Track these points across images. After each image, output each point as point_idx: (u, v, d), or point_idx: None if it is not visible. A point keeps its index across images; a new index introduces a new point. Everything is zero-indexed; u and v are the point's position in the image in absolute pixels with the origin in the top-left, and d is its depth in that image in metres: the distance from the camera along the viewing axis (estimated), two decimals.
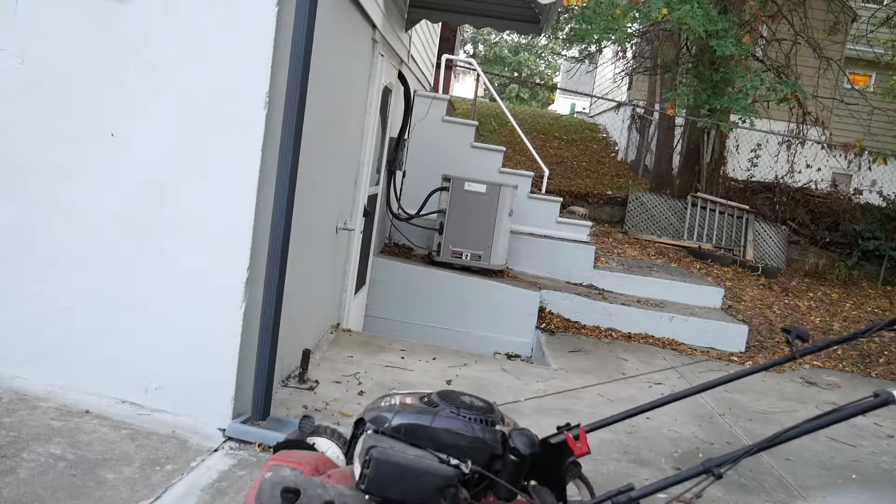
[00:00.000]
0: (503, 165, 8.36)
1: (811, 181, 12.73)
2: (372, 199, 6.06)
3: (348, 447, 1.87)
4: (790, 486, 3.75)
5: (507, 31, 8.16)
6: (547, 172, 8.99)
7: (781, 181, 12.39)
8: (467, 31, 25.10)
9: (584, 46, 14.14)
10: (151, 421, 3.25)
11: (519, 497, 1.84)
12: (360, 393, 4.10)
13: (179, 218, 3.27)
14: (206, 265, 3.26)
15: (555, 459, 1.94)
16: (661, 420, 4.50)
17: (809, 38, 11.12)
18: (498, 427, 1.74)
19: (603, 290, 7.71)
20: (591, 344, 6.43)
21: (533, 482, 1.90)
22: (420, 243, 7.71)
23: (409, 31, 6.89)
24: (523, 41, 33.20)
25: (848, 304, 9.60)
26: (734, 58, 9.81)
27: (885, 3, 13.79)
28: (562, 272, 7.95)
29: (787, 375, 6.31)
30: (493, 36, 33.65)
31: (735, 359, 6.61)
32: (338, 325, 5.55)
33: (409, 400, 1.81)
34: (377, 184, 6.33)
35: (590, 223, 8.73)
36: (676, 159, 13.06)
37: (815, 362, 6.91)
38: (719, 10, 9.84)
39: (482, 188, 7.16)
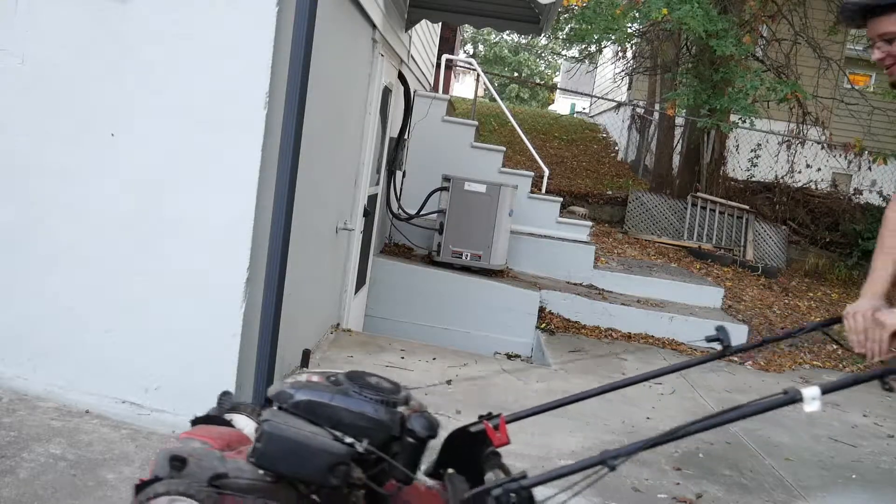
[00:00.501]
0: (503, 165, 8.36)
1: (811, 181, 12.74)
2: (372, 199, 6.06)
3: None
4: (790, 486, 3.75)
5: (507, 31, 8.17)
6: (547, 172, 8.99)
7: (781, 181, 12.39)
8: (467, 31, 25.09)
9: (584, 46, 14.14)
10: (151, 421, 3.25)
11: (422, 481, 1.84)
12: None
13: (179, 218, 3.27)
14: (206, 265, 3.26)
15: (474, 449, 1.93)
16: (661, 420, 4.50)
17: (809, 38, 11.12)
18: (399, 409, 1.72)
19: (603, 290, 7.71)
20: (590, 344, 6.43)
21: (451, 470, 1.90)
22: (420, 243, 7.71)
23: (409, 31, 6.89)
24: (523, 41, 33.21)
25: (848, 304, 9.59)
26: (734, 58, 9.80)
27: None
28: (562, 272, 7.94)
29: (786, 375, 6.31)
30: (493, 36, 33.65)
31: (735, 359, 6.60)
32: (338, 325, 5.55)
33: (315, 378, 1.80)
34: (377, 184, 6.33)
35: (590, 223, 8.73)
36: (676, 159, 13.07)
37: (815, 363, 6.92)
38: (719, 10, 9.84)
39: (482, 188, 7.16)
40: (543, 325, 6.81)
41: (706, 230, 10.99)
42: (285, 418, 1.67)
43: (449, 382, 4.58)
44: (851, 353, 2.02)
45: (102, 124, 3.26)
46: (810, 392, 1.68)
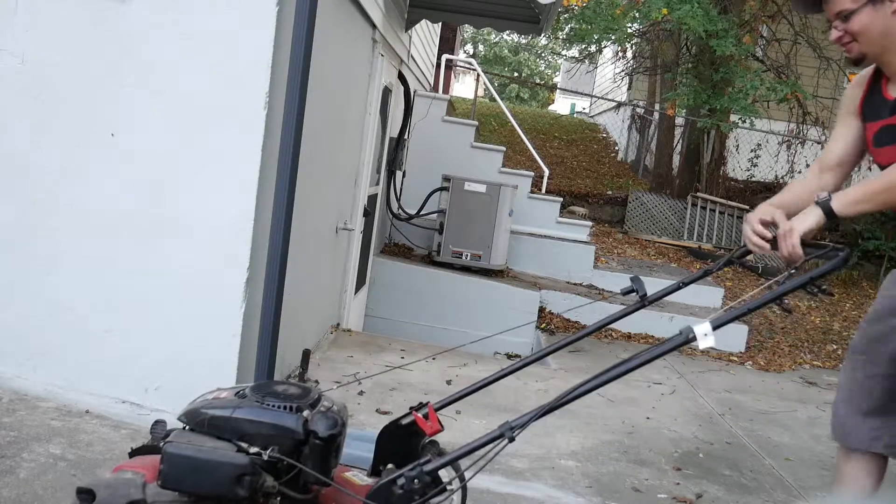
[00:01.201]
0: (503, 165, 8.36)
1: None
2: (372, 199, 6.06)
3: None
4: (790, 486, 3.75)
5: (507, 31, 8.17)
6: (547, 172, 9.00)
7: (782, 181, 12.38)
8: (467, 31, 25.09)
9: (584, 46, 14.13)
10: (152, 421, 3.24)
11: (358, 480, 1.85)
12: (360, 393, 4.10)
13: (179, 218, 3.27)
14: (206, 265, 3.26)
15: (410, 441, 1.94)
16: (661, 420, 4.50)
17: (809, 38, 11.11)
18: (304, 413, 1.72)
19: (603, 290, 7.71)
20: (590, 344, 6.42)
21: (390, 465, 1.91)
22: (420, 243, 7.71)
23: (409, 31, 6.89)
24: (523, 41, 33.20)
25: (848, 304, 9.59)
26: (734, 58, 9.80)
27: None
28: (562, 272, 7.94)
29: (786, 375, 6.31)
30: (493, 36, 33.64)
31: (735, 358, 6.61)
32: (338, 325, 5.55)
33: (223, 394, 1.82)
34: (377, 184, 6.33)
35: (590, 223, 8.73)
36: (676, 159, 13.06)
37: (815, 363, 6.91)
38: (719, 10, 9.84)
39: (482, 188, 7.17)
40: (543, 325, 6.81)
41: (706, 230, 10.99)
42: (189, 437, 1.69)
43: (449, 382, 4.58)
44: (760, 277, 2.12)
45: (102, 124, 3.26)
46: (701, 328, 1.72)
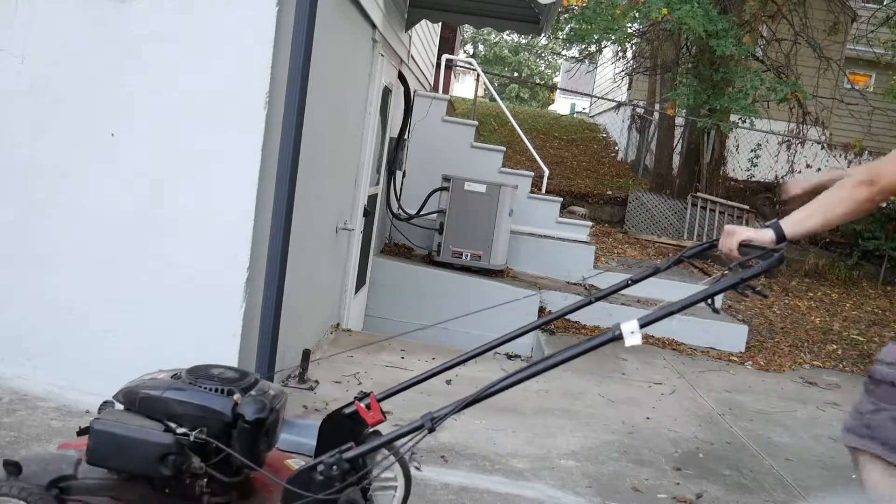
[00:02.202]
0: (503, 165, 8.36)
1: None
2: (372, 199, 6.06)
3: None
4: (790, 486, 3.75)
5: (507, 31, 8.17)
6: (547, 172, 9.00)
7: (781, 181, 12.38)
8: (467, 31, 25.09)
9: (584, 46, 14.14)
10: None
11: (291, 464, 1.89)
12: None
13: (179, 218, 3.27)
14: (206, 265, 3.26)
15: (353, 430, 1.96)
16: (661, 420, 4.50)
17: (809, 38, 11.12)
18: (235, 396, 1.75)
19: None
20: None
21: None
22: (420, 243, 7.71)
23: (409, 31, 6.89)
24: (523, 41, 33.20)
25: (848, 304, 9.60)
26: (734, 58, 9.80)
27: (885, 2, 13.79)
28: (562, 272, 7.94)
29: (787, 375, 6.31)
30: (493, 36, 33.64)
31: (735, 358, 6.61)
32: (338, 324, 5.55)
33: (160, 375, 1.86)
34: (377, 184, 6.33)
35: (590, 223, 8.73)
36: (676, 159, 13.06)
37: (815, 363, 6.91)
38: (719, 10, 9.84)
39: (482, 188, 7.16)
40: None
41: (706, 230, 10.99)
42: (119, 416, 1.73)
43: (448, 382, 4.58)
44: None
45: (102, 124, 3.26)
46: (628, 326, 1.74)
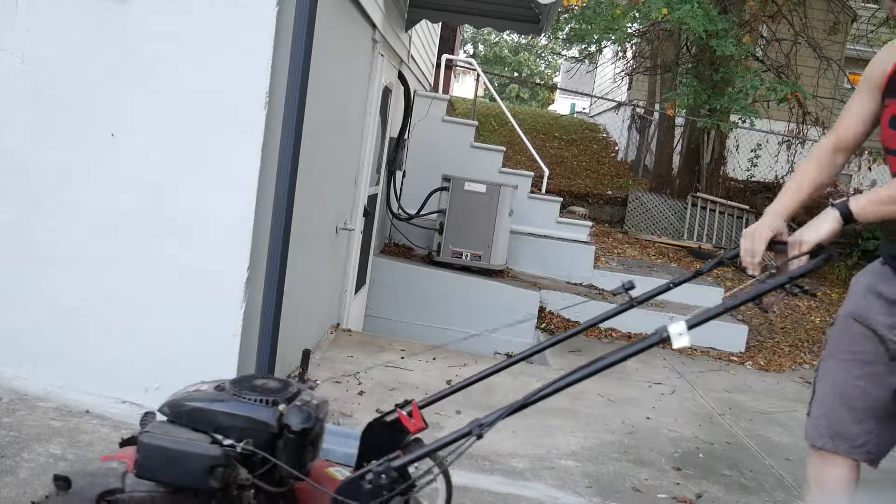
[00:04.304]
0: (503, 165, 8.36)
1: None
2: (372, 199, 6.06)
3: None
4: (790, 486, 3.75)
5: (507, 31, 8.17)
6: (547, 172, 8.99)
7: (782, 181, 12.38)
8: (467, 31, 25.09)
9: (584, 46, 14.13)
10: None
11: (337, 474, 1.86)
12: (360, 393, 4.10)
13: (179, 218, 3.27)
14: (206, 265, 3.26)
15: (393, 437, 1.94)
16: (661, 420, 4.50)
17: (809, 38, 11.12)
18: (280, 406, 1.75)
19: (603, 290, 7.71)
20: (590, 344, 6.43)
21: (374, 462, 1.92)
22: (420, 243, 7.71)
23: (409, 31, 6.89)
24: (523, 41, 33.21)
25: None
26: (734, 58, 9.80)
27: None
28: (562, 272, 7.94)
29: (786, 375, 6.31)
30: (493, 36, 33.65)
31: (735, 359, 6.61)
32: (338, 325, 5.56)
33: (204, 387, 1.85)
34: (377, 184, 6.33)
35: (590, 223, 8.73)
36: (676, 159, 13.06)
37: (815, 363, 6.91)
38: (719, 10, 9.84)
39: (482, 188, 7.16)
40: (543, 325, 6.80)
41: (706, 230, 10.99)
42: (166, 428, 1.72)
43: (449, 382, 4.58)
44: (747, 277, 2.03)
45: (102, 124, 3.26)
46: (676, 328, 1.70)
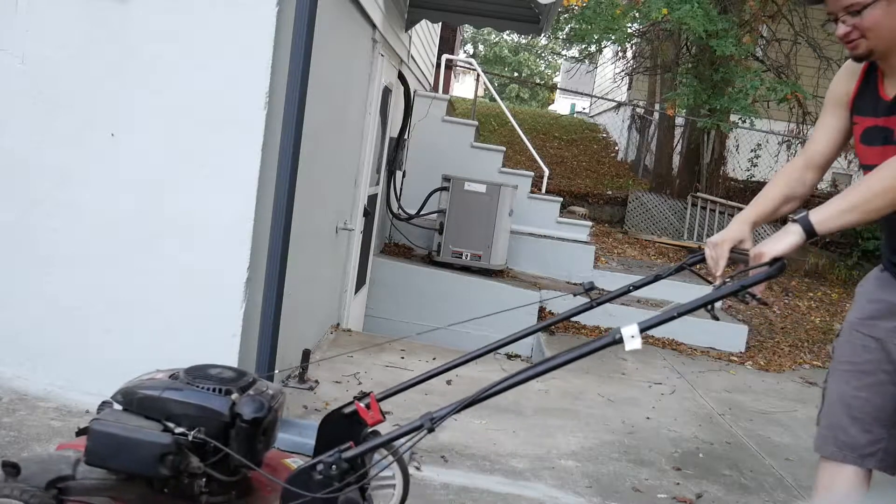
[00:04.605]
0: (503, 165, 8.36)
1: None
2: (372, 199, 6.06)
3: None
4: (790, 486, 3.75)
5: (507, 31, 8.17)
6: (547, 172, 9.00)
7: None
8: (467, 31, 25.08)
9: (584, 46, 14.13)
10: None
11: (289, 464, 1.89)
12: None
13: (179, 218, 3.27)
14: (206, 265, 3.26)
15: (351, 430, 1.95)
16: (661, 420, 4.50)
17: (809, 38, 11.11)
18: (233, 395, 1.76)
19: (603, 290, 7.68)
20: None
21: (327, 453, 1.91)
22: (420, 243, 7.71)
23: (409, 31, 6.89)
24: (523, 41, 33.20)
25: (848, 305, 9.58)
26: (734, 58, 9.80)
27: None
28: (562, 272, 7.94)
29: (786, 375, 6.31)
30: (493, 36, 33.64)
31: (735, 358, 6.61)
32: (338, 325, 5.55)
33: (159, 375, 1.87)
34: (377, 184, 6.33)
35: (590, 223, 8.73)
36: (676, 159, 13.06)
37: (815, 363, 6.91)
38: (719, 10, 9.84)
39: (482, 188, 7.16)
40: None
41: (706, 230, 10.99)
42: (118, 416, 1.73)
43: (449, 383, 4.58)
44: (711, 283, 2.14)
45: (102, 124, 3.26)
46: (628, 330, 1.74)
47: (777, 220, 2.43)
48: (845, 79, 2.19)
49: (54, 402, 3.25)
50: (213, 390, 1.76)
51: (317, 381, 4.16)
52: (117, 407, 1.78)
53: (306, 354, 4.17)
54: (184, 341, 3.28)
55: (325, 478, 1.71)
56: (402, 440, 1.76)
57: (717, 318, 2.10)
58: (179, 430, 1.68)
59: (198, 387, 1.77)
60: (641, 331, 1.74)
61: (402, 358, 5.07)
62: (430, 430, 1.74)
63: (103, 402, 1.87)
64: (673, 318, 1.83)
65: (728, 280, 1.95)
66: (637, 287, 2.26)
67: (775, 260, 1.88)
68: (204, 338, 3.27)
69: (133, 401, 1.76)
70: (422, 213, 7.53)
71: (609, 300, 2.24)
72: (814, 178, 2.28)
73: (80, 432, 1.82)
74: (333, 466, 1.72)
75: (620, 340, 1.74)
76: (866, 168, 2.09)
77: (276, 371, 3.49)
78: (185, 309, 3.29)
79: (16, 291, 3.37)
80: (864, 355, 2.17)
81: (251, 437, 1.74)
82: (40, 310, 3.36)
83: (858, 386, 2.17)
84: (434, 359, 5.16)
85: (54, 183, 3.31)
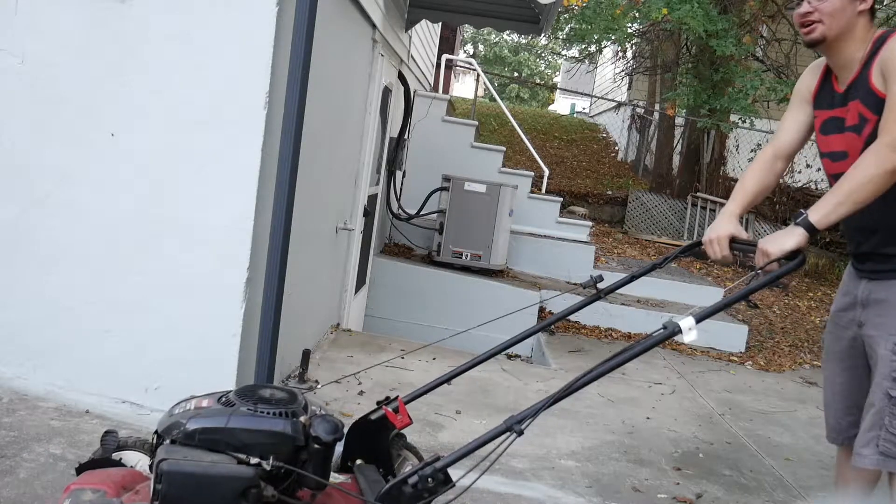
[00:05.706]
0: (503, 165, 8.36)
1: (811, 181, 12.73)
2: (372, 199, 6.06)
3: (151, 460, 1.77)
4: (790, 486, 3.75)
5: (507, 31, 8.18)
6: (547, 172, 9.00)
7: (781, 181, 12.38)
8: (467, 31, 25.09)
9: (584, 46, 14.13)
10: (152, 421, 3.24)
11: (333, 482, 1.83)
12: (360, 393, 4.10)
13: (179, 218, 3.27)
14: (206, 265, 3.26)
15: (378, 435, 1.94)
16: (661, 420, 4.50)
17: None
18: (301, 417, 1.70)
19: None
20: (590, 344, 6.43)
21: (359, 461, 1.90)
22: (420, 243, 7.71)
23: (409, 31, 6.89)
24: (523, 41, 33.20)
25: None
26: (734, 58, 9.81)
27: (885, 2, 13.79)
28: (562, 272, 7.94)
29: (786, 375, 6.31)
30: (493, 36, 33.64)
31: (735, 358, 6.61)
32: (338, 325, 5.55)
33: (204, 402, 1.75)
34: (377, 184, 6.33)
35: (590, 223, 8.73)
36: (676, 159, 13.07)
37: (815, 363, 6.91)
38: (719, 10, 9.84)
39: (482, 188, 7.16)
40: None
41: (706, 230, 10.99)
42: (182, 452, 1.60)
43: (449, 383, 4.57)
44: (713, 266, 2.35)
45: (102, 124, 3.26)
46: (686, 323, 1.79)
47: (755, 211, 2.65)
48: (809, 76, 2.45)
49: (54, 401, 3.25)
50: (280, 414, 1.68)
51: (317, 381, 4.16)
52: (167, 442, 1.67)
53: (306, 354, 4.17)
54: (184, 341, 3.29)
55: (417, 491, 1.67)
56: (491, 446, 1.72)
57: (756, 307, 2.27)
58: (254, 460, 1.60)
59: (263, 413, 1.68)
60: (697, 321, 1.79)
61: (402, 358, 5.07)
62: (520, 433, 1.70)
63: (107, 432, 1.79)
64: (727, 305, 1.97)
65: (758, 273, 2.09)
66: (637, 276, 2.41)
67: (793, 254, 2.05)
68: (204, 338, 3.27)
69: (192, 434, 1.64)
70: (422, 213, 7.54)
71: (614, 290, 2.37)
72: (782, 167, 2.54)
73: (81, 468, 1.73)
74: (430, 479, 1.68)
75: (678, 332, 1.79)
76: (825, 156, 2.36)
77: (277, 371, 3.49)
78: (185, 309, 3.29)
79: (16, 291, 3.37)
80: (840, 343, 2.42)
81: (326, 458, 1.70)
82: (40, 310, 3.36)
83: (837, 371, 2.44)
84: (434, 359, 5.16)
85: (54, 183, 3.31)
